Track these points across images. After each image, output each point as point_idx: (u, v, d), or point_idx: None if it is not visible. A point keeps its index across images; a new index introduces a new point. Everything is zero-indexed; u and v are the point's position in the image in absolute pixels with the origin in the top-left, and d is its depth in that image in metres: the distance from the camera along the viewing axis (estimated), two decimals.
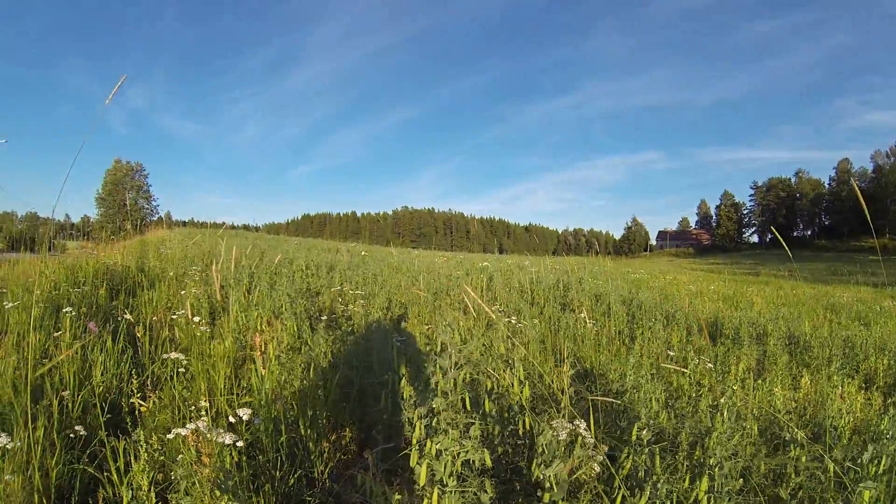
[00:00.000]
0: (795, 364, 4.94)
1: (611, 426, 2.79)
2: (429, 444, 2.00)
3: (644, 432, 2.18)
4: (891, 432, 2.35)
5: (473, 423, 2.09)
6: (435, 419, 2.11)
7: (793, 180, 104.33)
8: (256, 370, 2.89)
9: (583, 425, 1.99)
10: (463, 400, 2.16)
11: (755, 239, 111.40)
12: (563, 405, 2.66)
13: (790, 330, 6.66)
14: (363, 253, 13.15)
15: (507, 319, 5.13)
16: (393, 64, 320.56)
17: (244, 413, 2.37)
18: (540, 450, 1.97)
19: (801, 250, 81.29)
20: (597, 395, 3.17)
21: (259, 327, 4.45)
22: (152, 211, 55.85)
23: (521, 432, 2.58)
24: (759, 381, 3.84)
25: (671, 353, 4.71)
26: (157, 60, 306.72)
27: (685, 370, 3.52)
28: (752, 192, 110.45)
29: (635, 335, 5.53)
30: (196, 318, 3.97)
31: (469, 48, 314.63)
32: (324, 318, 4.62)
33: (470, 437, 2.04)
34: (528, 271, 9.91)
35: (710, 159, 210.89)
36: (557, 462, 1.89)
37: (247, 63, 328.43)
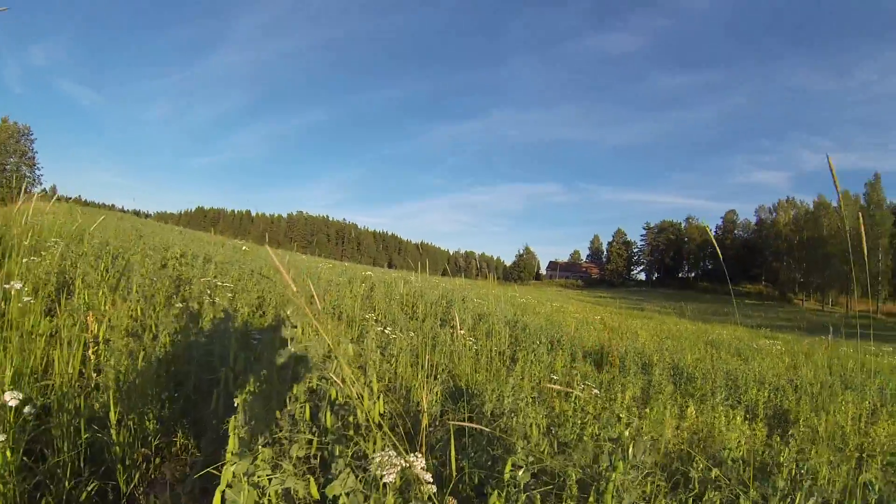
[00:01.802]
0: (680, 394, 5.05)
1: (481, 454, 2.47)
2: (226, 467, 1.56)
3: (521, 473, 1.87)
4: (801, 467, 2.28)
5: (296, 442, 1.68)
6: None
7: (683, 225, 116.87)
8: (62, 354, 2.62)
9: (420, 464, 1.63)
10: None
11: (642, 276, 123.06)
12: (422, 427, 2.31)
13: (674, 361, 6.96)
14: (244, 248, 13.05)
15: (380, 329, 4.93)
16: (307, 66, 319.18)
17: (12, 398, 1.99)
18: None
19: (685, 290, 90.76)
20: (462, 421, 2.87)
21: (103, 307, 4.00)
22: (35, 181, 51.94)
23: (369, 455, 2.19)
24: (647, 410, 3.78)
25: (555, 377, 4.59)
26: (66, 16, 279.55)
27: (571, 390, 3.33)
28: (644, 232, 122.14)
29: (517, 357, 5.44)
30: (17, 286, 3.26)
31: (385, 62, 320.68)
32: (178, 304, 4.30)
33: (290, 458, 1.62)
34: (413, 285, 9.96)
35: (607, 198, 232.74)
36: None
37: (163, 39, 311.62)
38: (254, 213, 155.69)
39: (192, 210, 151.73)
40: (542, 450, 2.62)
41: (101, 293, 4.35)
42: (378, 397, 2.22)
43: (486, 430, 2.15)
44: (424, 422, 2.49)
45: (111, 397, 2.52)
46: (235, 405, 1.88)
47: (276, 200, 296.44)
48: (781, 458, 2.46)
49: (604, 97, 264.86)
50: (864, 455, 4.00)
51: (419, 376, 4.05)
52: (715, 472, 1.83)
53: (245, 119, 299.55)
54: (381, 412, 2.45)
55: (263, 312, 5.41)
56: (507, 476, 1.92)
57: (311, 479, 1.70)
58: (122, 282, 4.86)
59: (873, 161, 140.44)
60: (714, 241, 1.83)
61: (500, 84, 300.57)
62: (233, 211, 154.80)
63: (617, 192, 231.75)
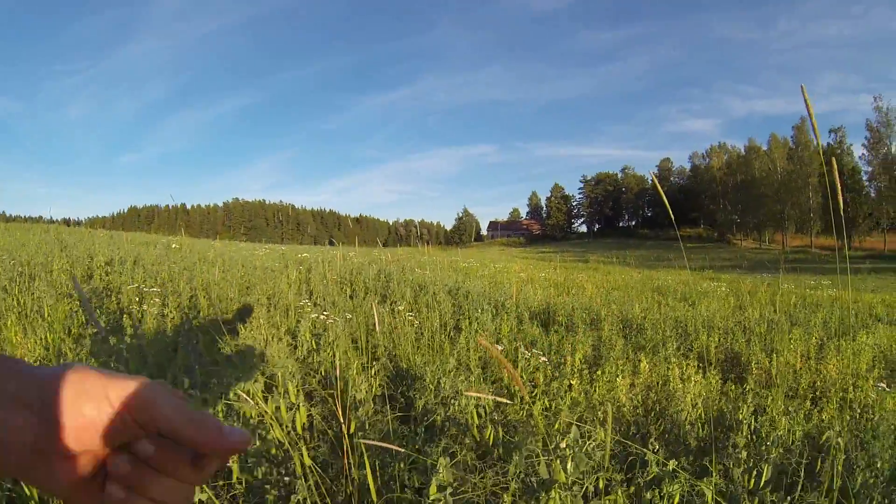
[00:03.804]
0: (631, 348, 5.08)
1: (405, 474, 2.31)
2: None
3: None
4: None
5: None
6: None
7: (619, 175, 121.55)
8: None
9: None
10: None
11: (584, 229, 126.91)
12: (346, 439, 2.13)
13: (623, 313, 7.05)
14: (174, 246, 12.62)
15: (314, 315, 4.79)
16: (228, 48, 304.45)
17: None
18: None
19: (627, 239, 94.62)
20: (396, 416, 2.71)
21: (14, 338, 3.87)
22: None
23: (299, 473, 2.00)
24: (599, 372, 3.75)
25: (499, 347, 4.50)
26: None
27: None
28: (582, 185, 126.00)
29: (461, 326, 5.34)
30: None
31: (310, 35, 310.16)
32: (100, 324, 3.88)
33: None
34: (351, 262, 9.97)
35: (542, 154, 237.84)
36: None
37: (73, 32, 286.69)
38: (189, 207, 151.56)
39: (125, 211, 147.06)
40: (487, 435, 2.50)
41: (9, 321, 4.19)
42: (297, 407, 2.01)
43: (402, 451, 1.97)
44: (352, 426, 2.31)
45: None
46: None
47: (211, 190, 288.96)
48: (740, 416, 2.43)
49: (533, 56, 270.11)
50: (817, 394, 4.15)
51: (355, 364, 3.88)
52: (672, 464, 1.73)
53: (170, 109, 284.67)
54: (304, 423, 2.27)
55: (198, 313, 5.31)
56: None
57: None
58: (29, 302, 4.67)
59: (798, 106, 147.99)
60: (657, 184, 1.70)
61: (428, 49, 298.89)
62: (167, 207, 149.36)
63: (552, 148, 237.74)
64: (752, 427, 2.47)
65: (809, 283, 13.45)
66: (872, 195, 68.86)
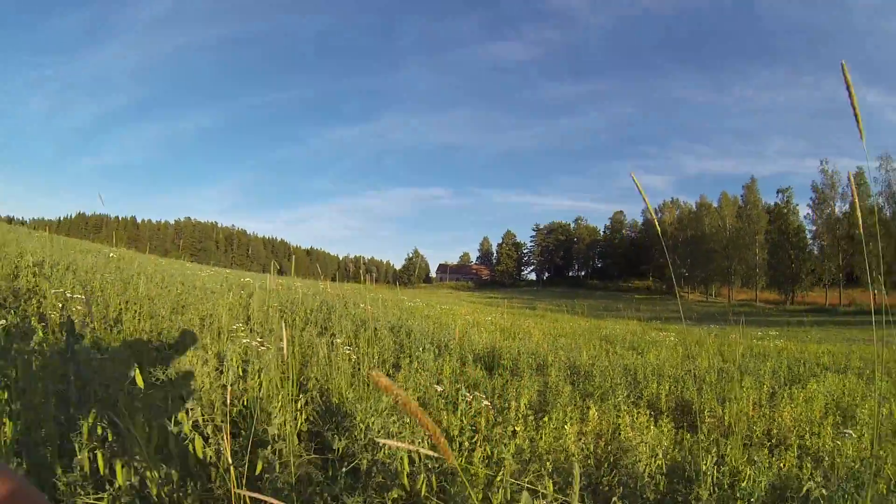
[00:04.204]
0: (579, 395, 4.86)
1: None
2: None
3: None
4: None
5: None
6: None
7: (572, 226, 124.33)
8: None
9: None
10: None
11: (533, 276, 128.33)
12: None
13: (570, 360, 6.86)
14: (112, 255, 12.24)
15: (246, 340, 4.53)
16: (197, 65, 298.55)
17: None
18: None
19: (576, 288, 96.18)
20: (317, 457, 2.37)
21: None
22: None
23: None
24: (546, 419, 3.49)
25: (439, 388, 4.20)
26: None
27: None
28: (534, 233, 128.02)
29: (401, 364, 5.08)
30: None
31: (277, 64, 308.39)
32: None
33: None
34: (296, 292, 9.86)
35: (496, 200, 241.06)
36: None
37: (51, 25, 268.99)
38: (139, 220, 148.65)
39: (73, 216, 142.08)
40: (418, 487, 2.19)
41: None
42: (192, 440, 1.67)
43: None
44: (259, 467, 1.96)
45: None
46: None
47: (163, 206, 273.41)
48: (703, 467, 2.20)
49: (494, 104, 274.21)
50: (773, 442, 3.99)
51: (280, 395, 3.51)
52: None
53: (132, 118, 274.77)
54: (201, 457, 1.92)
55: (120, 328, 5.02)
56: None
57: None
58: None
59: (749, 167, 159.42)
60: (649, 204, 1.50)
61: (392, 88, 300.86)
62: (117, 217, 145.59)
63: (506, 195, 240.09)
64: (715, 478, 2.24)
65: (756, 334, 13.67)
66: (816, 253, 72.95)
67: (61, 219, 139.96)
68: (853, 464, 2.99)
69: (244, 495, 1.66)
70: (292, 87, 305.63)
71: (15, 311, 4.39)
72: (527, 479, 2.49)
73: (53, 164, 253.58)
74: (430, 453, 1.06)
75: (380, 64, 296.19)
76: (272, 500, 0.98)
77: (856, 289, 67.51)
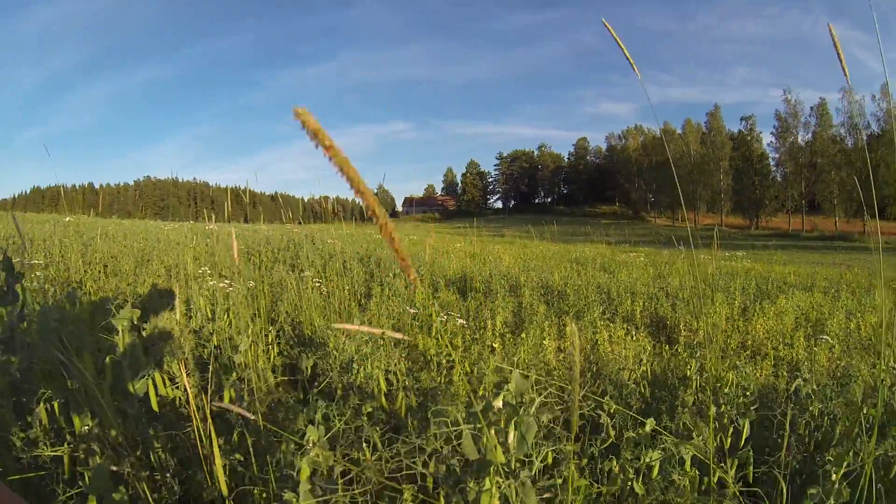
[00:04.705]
0: (554, 313, 4.89)
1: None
2: None
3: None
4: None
5: None
6: None
7: (535, 153, 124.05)
8: None
9: None
10: None
11: (499, 205, 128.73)
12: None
13: (543, 280, 6.90)
14: (67, 220, 11.85)
15: (213, 283, 4.48)
16: (141, 15, 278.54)
17: None
18: None
19: (543, 215, 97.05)
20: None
21: None
22: None
23: None
24: (523, 335, 3.48)
25: (412, 311, 4.17)
26: None
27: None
28: (498, 162, 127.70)
29: (373, 293, 5.03)
30: None
31: (223, 8, 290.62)
32: None
33: None
34: (261, 234, 10.18)
35: (458, 132, 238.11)
36: None
37: None
38: (98, 186, 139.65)
39: (28, 192, 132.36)
40: (398, 406, 2.15)
41: None
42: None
43: (250, 416, 1.54)
44: (226, 397, 1.88)
45: None
46: None
47: (121, 168, 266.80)
48: (688, 372, 2.22)
49: (452, 35, 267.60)
50: (748, 353, 4.10)
51: (250, 330, 3.42)
52: (650, 423, 1.42)
53: (78, 79, 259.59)
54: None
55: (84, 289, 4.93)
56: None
57: None
58: None
59: (712, 95, 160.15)
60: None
61: (347, 26, 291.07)
62: (73, 186, 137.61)
63: (468, 126, 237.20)
64: (699, 385, 2.26)
65: (724, 255, 13.99)
66: (779, 179, 74.88)
67: (16, 196, 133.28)
68: (827, 371, 3.08)
69: (211, 432, 1.58)
70: (241, 31, 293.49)
71: None
72: None
73: None
74: (398, 336, 1.00)
75: (333, 1, 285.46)
76: (237, 409, 0.90)
77: (818, 216, 69.67)
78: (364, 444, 1.61)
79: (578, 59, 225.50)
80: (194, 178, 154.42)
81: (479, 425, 1.20)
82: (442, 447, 1.38)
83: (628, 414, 1.52)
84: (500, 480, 1.15)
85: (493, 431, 1.19)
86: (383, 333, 1.40)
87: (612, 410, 1.61)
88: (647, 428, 1.39)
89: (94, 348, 2.01)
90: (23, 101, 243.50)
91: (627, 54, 1.38)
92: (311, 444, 1.20)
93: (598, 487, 1.33)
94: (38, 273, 4.68)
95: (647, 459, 1.34)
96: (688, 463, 1.35)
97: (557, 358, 3.20)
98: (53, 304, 3.37)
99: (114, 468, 1.67)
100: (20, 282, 2.16)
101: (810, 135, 69.97)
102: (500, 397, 1.19)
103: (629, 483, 1.34)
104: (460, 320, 3.76)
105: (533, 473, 1.18)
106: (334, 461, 1.27)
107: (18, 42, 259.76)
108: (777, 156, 74.51)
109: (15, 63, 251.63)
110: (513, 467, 1.14)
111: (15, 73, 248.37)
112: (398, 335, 1.00)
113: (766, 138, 76.00)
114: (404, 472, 1.46)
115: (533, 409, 1.17)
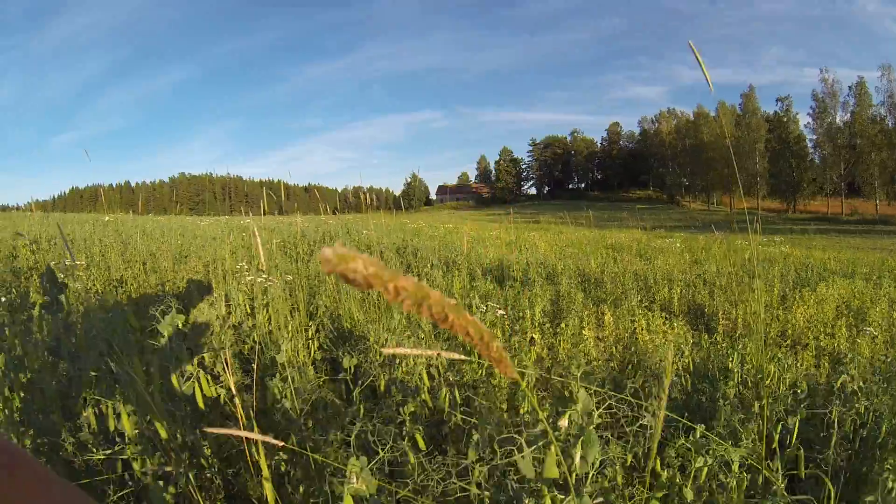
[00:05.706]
0: (591, 301, 4.88)
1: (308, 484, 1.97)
2: None
3: None
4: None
5: None
6: None
7: (568, 139, 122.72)
8: None
9: None
10: None
11: (533, 191, 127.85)
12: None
13: (579, 268, 6.87)
14: (107, 220, 12.11)
15: (251, 278, 4.38)
16: (167, 18, 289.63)
17: None
18: None
19: (578, 200, 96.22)
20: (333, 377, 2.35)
21: None
22: None
23: None
24: (563, 325, 3.48)
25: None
26: None
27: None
28: (531, 148, 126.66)
29: None
30: None
31: (246, 6, 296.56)
32: None
33: None
34: (297, 227, 9.82)
35: (488, 119, 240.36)
36: None
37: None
38: (134, 184, 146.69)
39: (66, 192, 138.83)
40: (441, 403, 2.17)
41: None
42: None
43: (277, 444, 1.55)
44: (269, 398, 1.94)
45: None
46: None
47: (156, 166, 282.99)
48: (730, 365, 2.20)
49: (477, 23, 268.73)
50: (789, 342, 4.03)
51: (290, 325, 3.51)
52: (700, 429, 1.42)
53: (109, 83, 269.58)
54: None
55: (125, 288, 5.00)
56: None
57: None
58: None
59: (745, 76, 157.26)
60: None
61: (370, 18, 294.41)
62: (111, 185, 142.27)
63: (498, 113, 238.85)
64: (741, 377, 2.25)
65: (761, 240, 13.68)
66: (817, 162, 72.23)
67: (55, 197, 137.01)
68: (870, 364, 3.01)
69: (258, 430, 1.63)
70: (266, 28, 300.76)
71: (16, 289, 4.38)
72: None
73: (33, 144, 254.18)
74: (457, 357, 0.98)
75: None
76: (269, 439, 0.93)
77: (857, 198, 67.37)
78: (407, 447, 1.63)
79: (606, 44, 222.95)
80: (228, 173, 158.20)
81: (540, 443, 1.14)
82: (494, 461, 1.33)
83: (680, 421, 1.50)
84: (561, 497, 1.11)
85: (553, 450, 1.10)
86: (438, 355, 1.38)
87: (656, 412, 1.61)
88: (697, 434, 1.39)
89: (138, 350, 2.09)
90: (56, 110, 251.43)
91: (706, 73, 1.35)
92: (354, 478, 1.20)
93: (646, 493, 1.32)
94: (80, 273, 4.79)
95: (699, 464, 1.34)
96: (735, 465, 1.35)
97: (598, 348, 3.20)
98: (97, 303, 3.51)
99: (167, 469, 1.74)
100: (64, 293, 2.24)
101: (849, 115, 67.39)
102: (567, 416, 1.16)
103: (677, 488, 1.34)
104: (500, 311, 3.77)
105: (593, 491, 1.13)
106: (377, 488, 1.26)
107: (51, 50, 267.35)
108: (815, 137, 71.90)
109: (47, 70, 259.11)
110: (571, 484, 1.08)
111: (48, 80, 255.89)
112: (455, 355, 0.99)
113: (803, 119, 73.61)
114: (455, 496, 1.44)
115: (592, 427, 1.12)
